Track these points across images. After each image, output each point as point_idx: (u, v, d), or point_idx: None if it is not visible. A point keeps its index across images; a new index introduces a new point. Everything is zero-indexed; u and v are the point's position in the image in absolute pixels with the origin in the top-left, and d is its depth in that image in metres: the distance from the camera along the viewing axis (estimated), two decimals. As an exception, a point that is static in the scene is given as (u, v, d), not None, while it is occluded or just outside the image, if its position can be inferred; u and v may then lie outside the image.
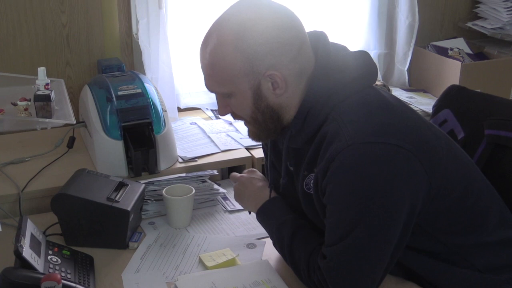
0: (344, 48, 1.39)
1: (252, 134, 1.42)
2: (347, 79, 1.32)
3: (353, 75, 1.33)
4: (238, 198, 1.66)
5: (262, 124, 1.35)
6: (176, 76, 2.44)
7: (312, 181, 1.33)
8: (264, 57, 1.27)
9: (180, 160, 2.02)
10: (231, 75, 1.29)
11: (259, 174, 1.65)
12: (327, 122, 1.29)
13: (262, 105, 1.32)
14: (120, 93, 1.96)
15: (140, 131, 1.92)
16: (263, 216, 1.53)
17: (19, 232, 1.43)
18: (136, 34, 2.37)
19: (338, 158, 1.23)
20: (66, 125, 2.02)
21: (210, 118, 2.45)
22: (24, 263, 1.37)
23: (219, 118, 2.42)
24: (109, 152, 1.90)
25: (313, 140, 1.32)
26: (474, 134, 1.60)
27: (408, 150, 1.23)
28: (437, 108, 1.71)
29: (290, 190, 1.46)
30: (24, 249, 1.38)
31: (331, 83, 1.31)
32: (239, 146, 2.15)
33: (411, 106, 2.49)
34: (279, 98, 1.32)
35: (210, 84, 1.35)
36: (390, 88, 2.65)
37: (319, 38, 1.37)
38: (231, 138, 2.21)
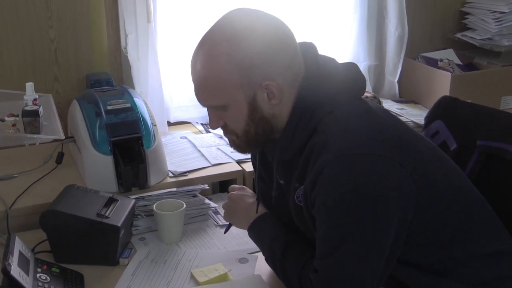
0: (332, 60, 1.39)
1: (236, 146, 1.40)
2: (335, 90, 1.31)
3: (341, 86, 1.33)
4: (228, 215, 1.64)
5: (253, 137, 1.33)
6: (166, 90, 2.43)
7: (302, 194, 1.32)
8: (260, 66, 1.26)
9: (170, 174, 2.01)
10: (226, 87, 1.27)
11: (249, 191, 1.65)
12: (315, 133, 1.29)
13: (257, 116, 1.30)
14: (109, 107, 1.95)
15: (130, 146, 1.91)
16: (255, 232, 1.53)
17: (7, 250, 1.42)
18: (125, 48, 2.36)
19: (326, 171, 1.23)
20: (55, 140, 2.00)
21: (200, 132, 2.44)
22: (12, 282, 1.35)
23: (210, 132, 2.41)
24: (98, 167, 1.89)
25: (303, 151, 1.31)
26: (466, 145, 1.60)
27: (396, 161, 1.23)
28: (429, 119, 1.71)
29: (281, 202, 1.45)
30: (12, 268, 1.36)
31: (319, 94, 1.31)
32: (230, 160, 2.14)
33: (401, 117, 2.50)
34: (273, 108, 1.31)
35: (203, 98, 1.33)
36: (380, 100, 2.65)
37: (308, 49, 1.37)
38: (221, 152, 2.20)
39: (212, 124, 1.37)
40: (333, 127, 1.27)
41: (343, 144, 1.23)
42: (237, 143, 1.38)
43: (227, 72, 1.26)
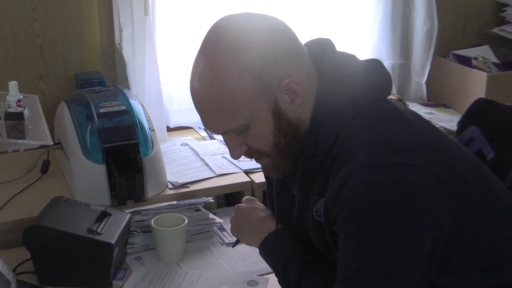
0: (353, 57, 1.39)
1: (271, 168, 1.37)
2: (358, 92, 1.31)
3: (365, 87, 1.32)
4: (236, 231, 1.64)
5: (285, 149, 1.32)
6: (165, 91, 2.44)
7: (322, 207, 1.32)
8: (273, 67, 1.25)
9: (170, 186, 2.02)
10: (244, 101, 1.25)
11: (259, 203, 1.65)
12: (338, 141, 1.28)
13: (284, 124, 1.29)
14: (101, 110, 1.95)
15: (125, 153, 1.91)
16: (267, 251, 1.52)
17: (-13, 270, 1.41)
18: (120, 44, 2.37)
19: (350, 182, 1.22)
20: (41, 147, 2.01)
21: (203, 138, 2.44)
22: (-8, 306, 1.35)
23: (214, 138, 2.41)
24: (89, 177, 1.89)
25: (324, 160, 1.31)
26: (506, 154, 1.60)
27: (429, 172, 1.22)
28: (463, 124, 1.71)
29: (304, 222, 1.44)
30: (-8, 290, 1.36)
31: (340, 97, 1.30)
32: (237, 170, 2.14)
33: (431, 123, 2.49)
34: (297, 111, 1.30)
35: (221, 124, 1.30)
36: (406, 103, 2.65)
37: (325, 46, 1.37)
38: (227, 160, 2.20)
39: (235, 153, 1.34)
40: (358, 133, 1.26)
41: (369, 153, 1.23)
42: (272, 164, 1.35)
43: (240, 85, 1.24)
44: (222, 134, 1.33)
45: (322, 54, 1.35)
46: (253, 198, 1.68)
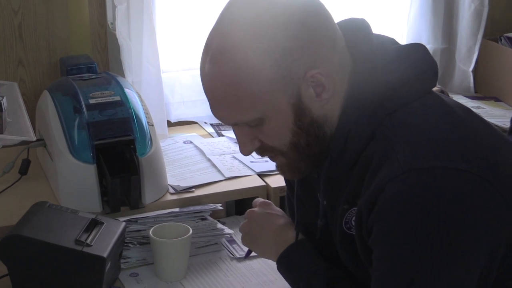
0: (392, 41, 1.39)
1: (286, 168, 1.37)
2: (398, 82, 1.31)
3: (406, 76, 1.32)
4: (248, 242, 1.64)
5: (305, 149, 1.32)
6: (166, 80, 2.44)
7: (354, 218, 1.32)
8: (299, 53, 1.25)
9: (171, 190, 2.02)
10: (261, 91, 1.25)
11: (276, 208, 1.64)
12: (374, 140, 1.28)
13: (306, 121, 1.29)
14: (91, 101, 1.96)
15: (119, 152, 1.93)
16: (287, 266, 1.52)
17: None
18: (112, 23, 2.38)
19: (389, 188, 1.22)
20: (21, 143, 2.01)
21: (210, 135, 2.45)
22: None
23: (223, 135, 2.41)
24: (77, 179, 1.90)
25: (356, 163, 1.31)
26: None
27: (485, 179, 1.22)
28: (515, 121, 1.71)
29: (329, 234, 1.45)
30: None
31: (377, 87, 1.30)
32: (250, 172, 2.15)
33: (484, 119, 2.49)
34: (324, 107, 1.30)
35: (230, 115, 1.31)
36: (449, 94, 2.65)
37: (359, 27, 1.36)
38: (238, 161, 2.21)
39: (245, 148, 1.35)
40: (399, 131, 1.27)
41: (412, 155, 1.22)
42: (288, 164, 1.36)
43: (259, 70, 1.24)
44: (232, 125, 1.34)
45: (355, 37, 1.34)
46: (269, 201, 1.67)
